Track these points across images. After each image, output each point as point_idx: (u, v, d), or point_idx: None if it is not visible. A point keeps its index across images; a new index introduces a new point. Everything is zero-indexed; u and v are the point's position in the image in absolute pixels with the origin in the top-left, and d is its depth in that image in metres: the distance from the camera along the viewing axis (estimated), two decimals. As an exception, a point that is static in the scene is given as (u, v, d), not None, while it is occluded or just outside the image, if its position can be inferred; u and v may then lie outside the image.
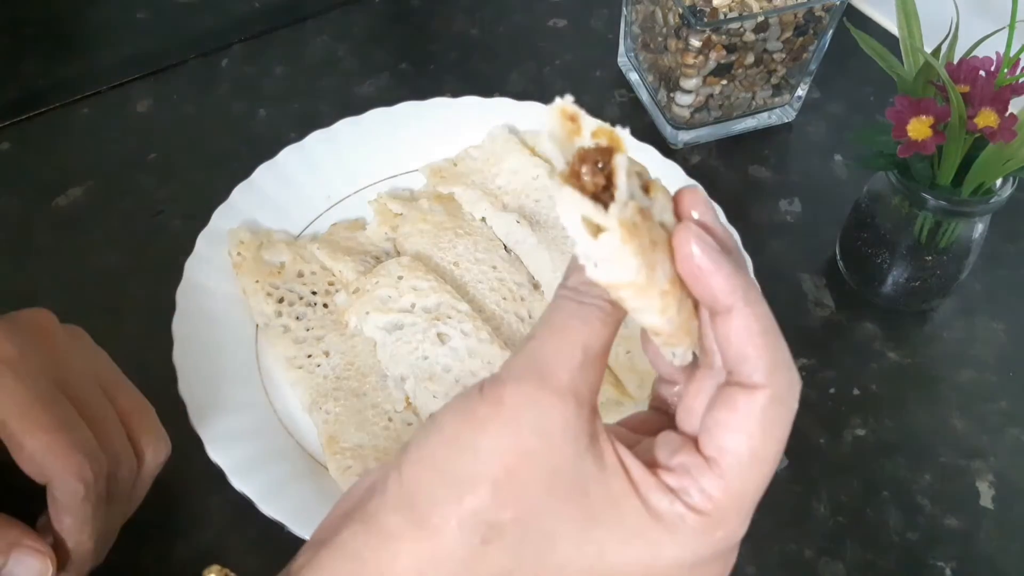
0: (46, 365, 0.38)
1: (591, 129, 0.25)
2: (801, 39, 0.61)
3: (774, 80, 0.64)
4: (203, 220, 0.56)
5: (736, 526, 0.28)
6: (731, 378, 0.28)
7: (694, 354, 0.29)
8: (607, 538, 0.27)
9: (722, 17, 0.59)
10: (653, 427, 0.31)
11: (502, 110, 0.63)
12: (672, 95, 0.63)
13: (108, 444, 0.38)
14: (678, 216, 0.27)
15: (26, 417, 0.36)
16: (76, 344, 0.42)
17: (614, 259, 0.24)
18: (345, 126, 0.62)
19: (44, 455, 0.36)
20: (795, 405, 0.28)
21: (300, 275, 0.55)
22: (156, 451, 0.42)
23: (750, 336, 0.27)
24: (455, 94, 0.64)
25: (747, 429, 0.27)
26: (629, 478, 0.28)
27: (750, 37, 0.59)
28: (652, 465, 0.28)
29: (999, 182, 0.50)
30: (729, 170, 0.65)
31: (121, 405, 0.41)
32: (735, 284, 0.27)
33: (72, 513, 0.37)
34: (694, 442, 0.28)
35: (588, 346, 0.27)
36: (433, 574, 0.27)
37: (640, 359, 0.51)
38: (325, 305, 0.54)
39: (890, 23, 0.73)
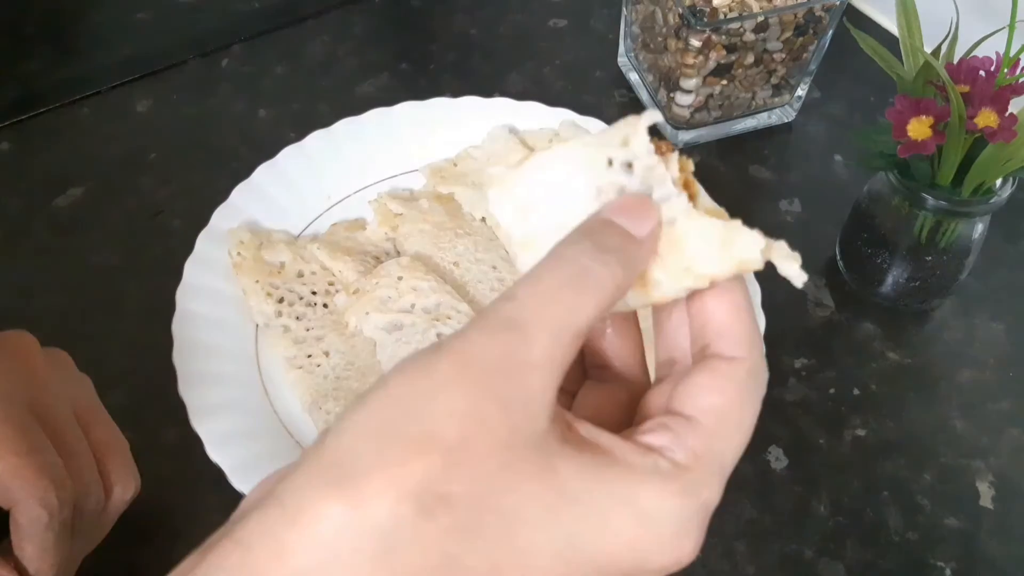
0: (21, 389, 0.38)
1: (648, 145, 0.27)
2: (801, 39, 0.61)
3: (774, 80, 0.64)
4: (203, 220, 0.56)
5: (717, 490, 0.26)
6: (707, 351, 0.27)
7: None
8: (581, 520, 0.23)
9: (722, 17, 0.59)
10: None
11: (502, 110, 0.63)
12: (672, 95, 0.63)
13: (77, 474, 0.38)
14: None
15: None
16: (56, 371, 0.41)
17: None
18: (345, 126, 0.62)
19: (11, 478, 0.36)
20: (765, 384, 0.27)
21: (300, 275, 0.55)
22: (125, 487, 0.41)
23: (736, 311, 0.27)
24: (455, 94, 0.64)
25: (729, 393, 0.26)
26: (601, 449, 0.24)
27: (750, 37, 0.59)
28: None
29: (999, 182, 0.50)
30: (729, 170, 0.65)
31: (95, 437, 0.40)
32: None
33: (34, 540, 0.36)
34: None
35: (584, 321, 0.24)
36: (347, 558, 0.22)
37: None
38: (325, 305, 0.54)
39: (890, 23, 0.73)
